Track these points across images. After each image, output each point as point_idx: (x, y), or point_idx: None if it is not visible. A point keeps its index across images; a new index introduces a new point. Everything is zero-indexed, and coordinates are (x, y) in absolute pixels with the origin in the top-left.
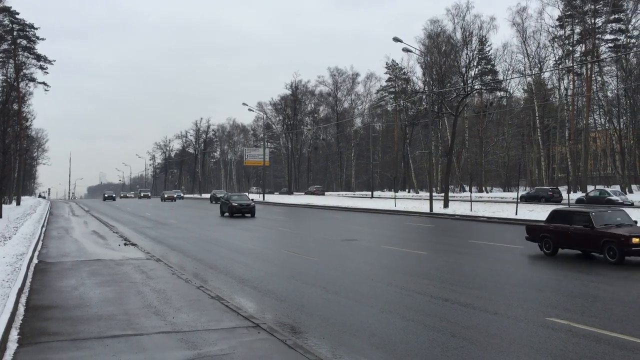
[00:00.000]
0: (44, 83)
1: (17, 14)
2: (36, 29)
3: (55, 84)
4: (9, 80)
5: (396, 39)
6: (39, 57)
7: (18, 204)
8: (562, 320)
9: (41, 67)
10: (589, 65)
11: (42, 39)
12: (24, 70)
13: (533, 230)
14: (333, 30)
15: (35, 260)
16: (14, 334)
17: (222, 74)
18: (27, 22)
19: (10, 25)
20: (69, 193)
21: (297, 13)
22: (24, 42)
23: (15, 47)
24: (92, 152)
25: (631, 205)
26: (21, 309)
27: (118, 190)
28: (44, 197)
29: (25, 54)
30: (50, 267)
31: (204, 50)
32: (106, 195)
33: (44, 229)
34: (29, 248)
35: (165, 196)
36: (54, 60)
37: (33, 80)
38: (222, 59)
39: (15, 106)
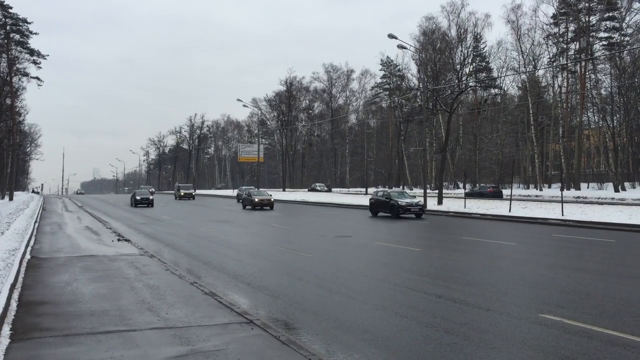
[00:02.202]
0: (37, 78)
1: (10, 8)
2: (29, 23)
3: (48, 79)
4: (1, 74)
5: (391, 36)
6: (32, 52)
7: (11, 199)
8: (554, 316)
9: (34, 62)
10: (583, 63)
11: (36, 34)
12: (17, 65)
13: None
14: (326, 27)
15: (27, 256)
16: (6, 330)
17: (216, 69)
18: (20, 17)
19: (3, 19)
20: (62, 188)
21: (289, 9)
22: (17, 36)
23: (8, 41)
24: (85, 147)
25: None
26: (13, 304)
27: (111, 187)
28: (38, 193)
29: (19, 48)
30: (43, 263)
31: (196, 46)
32: (138, 198)
33: (36, 224)
34: (22, 244)
35: (256, 200)
36: (48, 55)
37: (26, 75)
38: (215, 54)
39: (8, 101)
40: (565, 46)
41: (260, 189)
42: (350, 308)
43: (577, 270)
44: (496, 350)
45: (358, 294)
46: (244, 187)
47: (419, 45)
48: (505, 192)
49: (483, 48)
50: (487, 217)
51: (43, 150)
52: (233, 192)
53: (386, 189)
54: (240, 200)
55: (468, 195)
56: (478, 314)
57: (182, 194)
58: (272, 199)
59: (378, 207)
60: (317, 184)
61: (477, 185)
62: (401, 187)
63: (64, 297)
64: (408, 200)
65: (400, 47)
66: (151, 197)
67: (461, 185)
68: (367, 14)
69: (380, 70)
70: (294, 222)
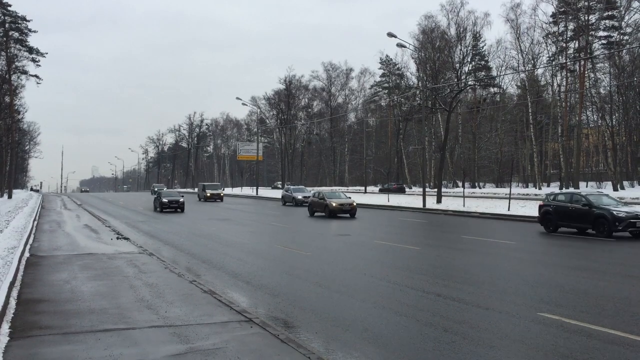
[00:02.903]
0: (36, 76)
1: (9, 5)
2: (28, 21)
3: (47, 77)
4: (0, 72)
5: (390, 34)
6: (31, 50)
7: (10, 197)
8: (553, 315)
9: (33, 60)
10: (582, 62)
11: (34, 32)
12: (16, 63)
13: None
14: (325, 25)
15: (27, 254)
16: (5, 328)
17: (215, 68)
18: (19, 14)
19: (2, 17)
20: (62, 187)
21: (288, 8)
22: (16, 34)
23: (7, 39)
24: (84, 145)
25: None
26: (12, 302)
27: (110, 185)
28: (37, 191)
29: (17, 46)
30: (42, 261)
31: (195, 44)
32: (165, 201)
33: (35, 222)
34: (21, 241)
35: (334, 204)
36: (46, 53)
37: (25, 72)
38: (214, 53)
39: (7, 99)
40: (564, 45)
41: (333, 189)
42: (350, 306)
43: (576, 269)
44: (495, 348)
45: (357, 292)
46: (292, 187)
47: (418, 44)
48: (410, 189)
49: (482, 47)
50: (485, 215)
51: (42, 148)
52: (232, 191)
53: (577, 190)
54: (305, 205)
55: (380, 191)
56: (477, 312)
57: (209, 194)
58: (355, 204)
59: (563, 218)
60: (278, 183)
61: (404, 183)
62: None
63: (63, 295)
64: (626, 209)
65: (400, 45)
66: (181, 200)
67: (460, 184)
68: (366, 12)
69: (380, 68)
70: (290, 220)
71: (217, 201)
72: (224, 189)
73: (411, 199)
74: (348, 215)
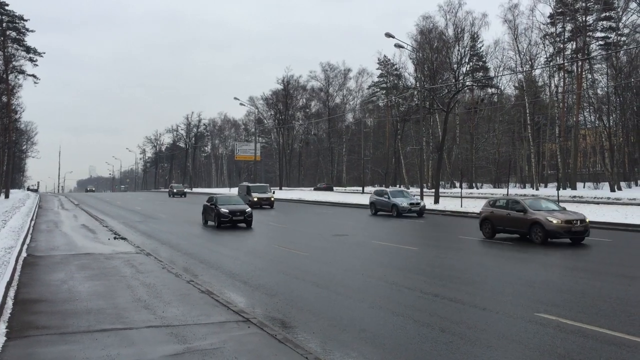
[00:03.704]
0: (33, 75)
1: (7, 5)
2: (26, 20)
3: (44, 77)
4: None
5: (388, 35)
6: (28, 49)
7: (7, 197)
8: (550, 315)
9: (31, 60)
10: (580, 63)
11: (32, 31)
12: (13, 62)
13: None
14: (324, 25)
15: (24, 254)
16: (2, 328)
17: (213, 67)
18: (17, 14)
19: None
20: (59, 186)
21: (287, 8)
22: (13, 33)
23: (5, 38)
24: (81, 145)
25: None
26: (9, 302)
27: (107, 185)
28: (35, 191)
29: (15, 45)
30: (39, 261)
31: (194, 44)
32: (224, 211)
33: (33, 222)
34: (18, 241)
35: (554, 222)
36: (44, 53)
37: (22, 72)
38: (213, 52)
39: (4, 99)
40: (562, 46)
41: (538, 195)
42: (347, 307)
43: (573, 269)
44: (492, 348)
45: (355, 292)
46: (389, 190)
47: (416, 45)
48: (408, 189)
49: (480, 47)
50: None
51: (39, 148)
52: (230, 191)
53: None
54: (409, 216)
55: (315, 189)
56: (474, 312)
57: (256, 199)
58: (588, 220)
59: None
60: (244, 183)
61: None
62: (398, 186)
63: (60, 295)
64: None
65: (398, 46)
66: (248, 210)
67: (458, 184)
68: (366, 12)
69: (378, 69)
70: (288, 220)
71: (264, 207)
72: (274, 192)
73: None
74: (569, 240)
